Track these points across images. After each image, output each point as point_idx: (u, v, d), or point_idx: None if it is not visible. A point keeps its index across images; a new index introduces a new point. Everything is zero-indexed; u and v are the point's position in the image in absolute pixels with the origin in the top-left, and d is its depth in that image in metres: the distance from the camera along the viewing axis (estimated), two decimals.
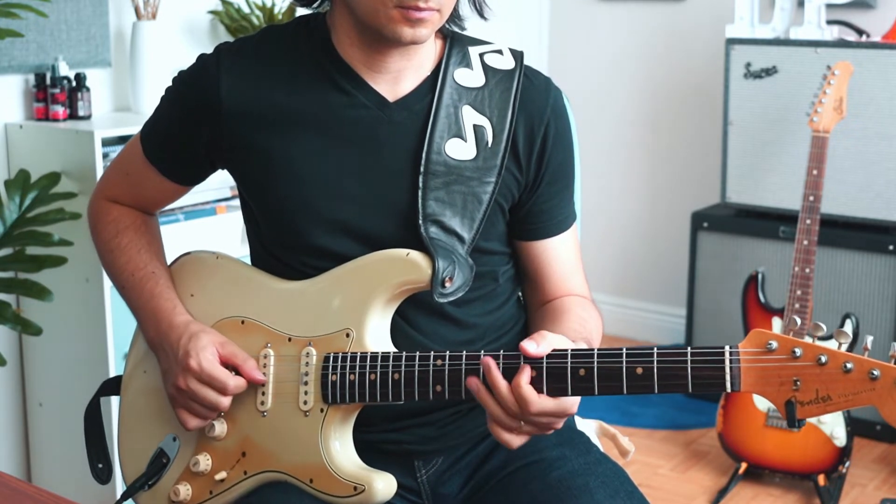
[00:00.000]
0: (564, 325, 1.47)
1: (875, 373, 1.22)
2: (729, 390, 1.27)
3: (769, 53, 3.33)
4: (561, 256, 1.56)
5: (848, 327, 2.89)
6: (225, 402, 1.43)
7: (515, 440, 1.35)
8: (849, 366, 1.23)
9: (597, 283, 4.15)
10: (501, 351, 1.35)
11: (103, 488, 2.45)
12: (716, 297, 3.51)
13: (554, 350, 1.33)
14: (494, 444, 1.53)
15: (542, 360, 1.32)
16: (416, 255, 1.41)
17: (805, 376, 1.25)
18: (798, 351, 1.25)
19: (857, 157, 3.22)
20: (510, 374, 1.33)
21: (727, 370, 1.27)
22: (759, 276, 3.06)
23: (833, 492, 2.95)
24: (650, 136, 4.12)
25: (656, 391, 1.29)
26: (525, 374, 1.31)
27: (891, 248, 3.18)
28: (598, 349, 1.33)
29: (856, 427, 3.05)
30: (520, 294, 1.62)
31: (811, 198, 2.89)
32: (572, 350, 1.32)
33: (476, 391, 1.34)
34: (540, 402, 1.32)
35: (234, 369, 1.44)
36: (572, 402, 1.35)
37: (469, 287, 1.43)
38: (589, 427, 1.71)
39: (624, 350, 1.31)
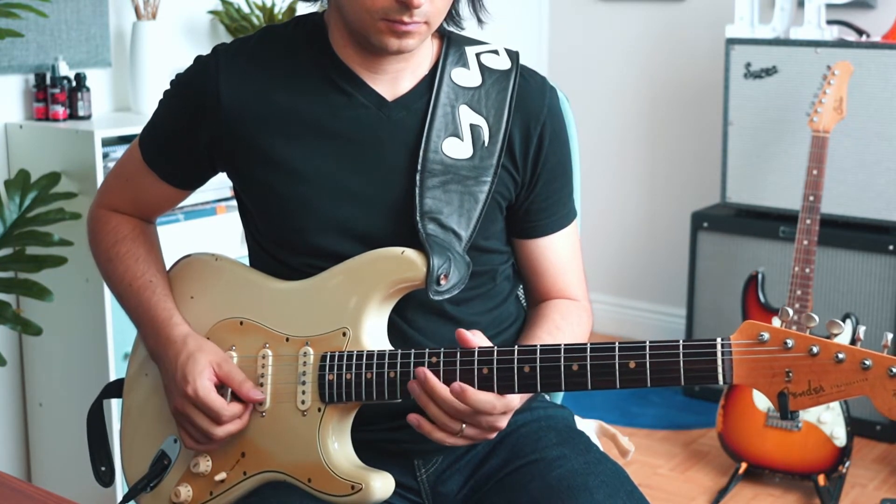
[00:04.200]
0: (533, 333, 1.50)
1: (867, 363, 1.22)
2: (721, 382, 1.28)
3: (769, 53, 3.33)
4: (557, 254, 1.57)
5: (848, 327, 2.89)
6: (218, 431, 1.42)
7: (458, 442, 1.37)
8: (840, 356, 1.23)
9: (597, 283, 4.15)
10: (496, 347, 1.36)
11: (103, 489, 2.45)
12: (716, 297, 3.51)
13: (542, 345, 1.34)
14: (494, 443, 1.53)
15: (535, 355, 1.33)
16: (410, 253, 1.41)
17: (797, 367, 1.25)
18: (790, 342, 1.25)
19: (857, 157, 3.22)
20: (506, 371, 1.33)
21: (719, 362, 1.27)
22: (759, 276, 3.06)
23: (833, 492, 2.95)
24: (650, 136, 4.12)
25: (649, 385, 1.30)
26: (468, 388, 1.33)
27: (891, 248, 3.18)
28: (591, 343, 1.33)
29: (856, 427, 3.05)
30: (519, 292, 1.63)
31: (811, 198, 2.89)
32: (565, 345, 1.33)
33: (417, 395, 1.35)
34: (476, 395, 1.33)
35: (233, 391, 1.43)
36: (512, 397, 1.36)
37: (465, 285, 1.43)
38: (589, 427, 1.71)
39: (616, 344, 1.31)
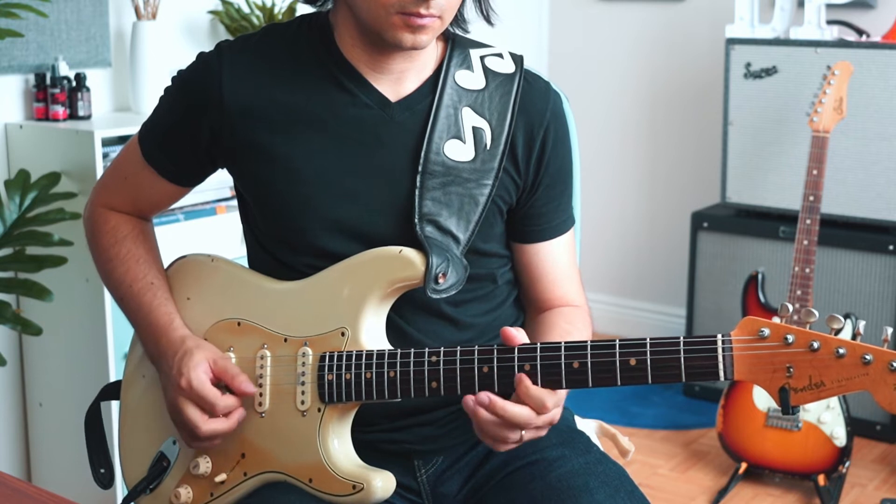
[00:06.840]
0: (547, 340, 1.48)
1: (868, 357, 1.22)
2: (722, 378, 1.28)
3: (769, 53, 3.33)
4: (556, 260, 1.57)
5: (848, 327, 2.89)
6: (204, 427, 1.40)
7: (506, 447, 1.36)
8: (841, 351, 1.23)
9: (597, 283, 4.16)
10: (495, 345, 1.36)
11: (103, 490, 2.45)
12: (716, 297, 3.51)
13: (543, 343, 1.34)
14: None
15: (535, 353, 1.33)
16: (408, 252, 1.41)
17: (798, 363, 1.25)
18: (790, 337, 1.25)
19: (857, 157, 3.22)
20: (506, 369, 1.33)
21: (720, 359, 1.27)
22: (759, 276, 3.06)
23: (833, 492, 2.95)
24: (650, 136, 4.12)
25: (650, 382, 1.30)
26: (526, 380, 1.32)
27: (891, 248, 3.18)
28: (592, 341, 1.33)
29: (856, 427, 3.05)
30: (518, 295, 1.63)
31: (811, 198, 2.89)
32: (566, 343, 1.33)
33: (472, 412, 1.33)
34: (555, 396, 1.33)
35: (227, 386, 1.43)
36: (564, 392, 1.36)
37: (462, 286, 1.43)
38: (589, 427, 1.71)
39: (617, 342, 1.31)
